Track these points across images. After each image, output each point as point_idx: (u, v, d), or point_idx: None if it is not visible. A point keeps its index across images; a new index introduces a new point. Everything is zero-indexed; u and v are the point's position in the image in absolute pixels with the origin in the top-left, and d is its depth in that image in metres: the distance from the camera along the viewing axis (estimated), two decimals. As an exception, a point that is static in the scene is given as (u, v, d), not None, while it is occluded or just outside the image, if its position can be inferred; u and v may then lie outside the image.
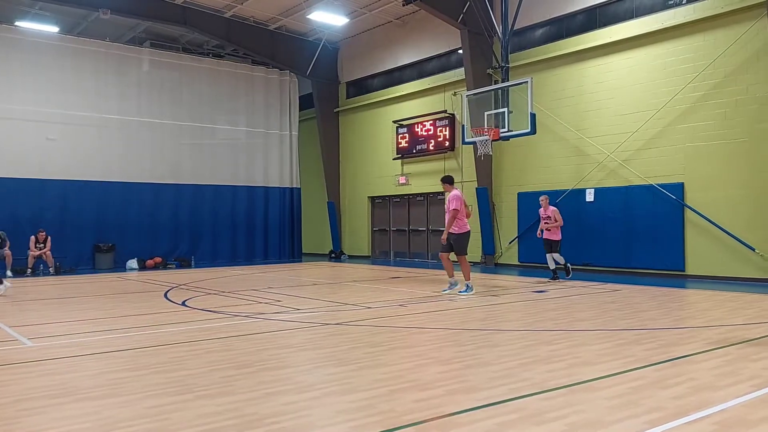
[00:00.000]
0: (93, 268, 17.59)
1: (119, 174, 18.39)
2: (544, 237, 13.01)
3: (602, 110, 15.11)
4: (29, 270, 15.94)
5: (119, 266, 17.86)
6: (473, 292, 10.57)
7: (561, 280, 12.90)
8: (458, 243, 10.51)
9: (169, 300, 10.41)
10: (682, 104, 13.63)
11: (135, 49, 19.45)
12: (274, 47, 21.30)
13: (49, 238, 16.30)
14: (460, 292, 10.59)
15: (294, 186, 22.51)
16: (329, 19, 19.12)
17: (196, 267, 18.72)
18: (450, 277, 10.86)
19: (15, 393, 4.63)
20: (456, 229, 10.51)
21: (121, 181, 18.41)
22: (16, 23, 17.81)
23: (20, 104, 16.91)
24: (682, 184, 13.62)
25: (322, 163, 22.95)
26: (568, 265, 13.18)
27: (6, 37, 17.07)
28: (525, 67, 16.35)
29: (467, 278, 10.65)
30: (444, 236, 10.54)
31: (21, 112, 16.91)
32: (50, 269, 16.20)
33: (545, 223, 12.91)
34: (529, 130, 13.99)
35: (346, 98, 22.96)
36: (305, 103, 23.35)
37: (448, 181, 10.92)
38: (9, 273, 15.58)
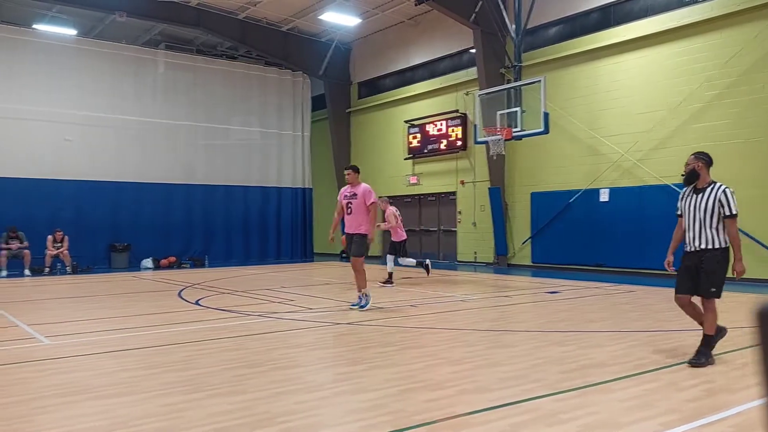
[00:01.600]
0: (109, 267, 17.76)
1: (134, 174, 18.55)
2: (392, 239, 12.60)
3: (616, 109, 15.00)
4: (47, 269, 16.12)
5: (134, 265, 18.01)
6: (371, 302, 8.95)
7: (391, 285, 11.90)
8: (361, 243, 8.80)
9: (183, 299, 10.49)
10: (697, 103, 13.50)
11: (150, 51, 19.61)
12: (286, 48, 21.38)
13: (66, 237, 16.48)
14: (359, 306, 8.82)
15: (306, 186, 22.58)
16: (341, 20, 19.16)
17: (209, 267, 18.83)
18: (363, 288, 8.93)
19: (31, 390, 4.69)
20: (360, 227, 8.79)
21: (136, 182, 18.56)
22: (34, 26, 18.02)
23: (38, 105, 17.10)
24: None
25: (334, 164, 22.99)
26: (427, 263, 13.10)
27: (24, 39, 17.28)
28: (538, 66, 16.27)
29: (366, 286, 8.95)
30: (372, 233, 8.85)
31: (38, 113, 17.10)
32: (67, 268, 16.38)
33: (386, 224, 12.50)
34: (542, 129, 13.93)
35: (358, 98, 22.99)
36: (317, 103, 23.41)
37: (357, 170, 9.07)
38: (27, 272, 15.78)
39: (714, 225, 5.29)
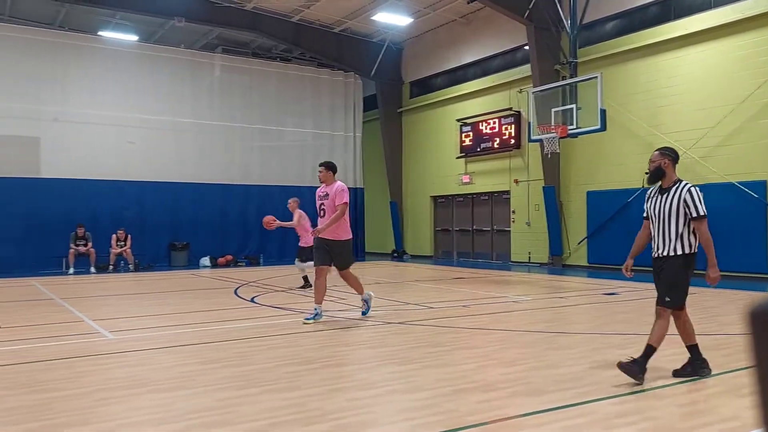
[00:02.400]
0: (169, 265, 18.34)
1: (193, 175, 19.09)
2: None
3: (677, 105, 14.47)
4: (111, 266, 16.78)
5: (193, 264, 18.53)
6: (370, 310, 8.32)
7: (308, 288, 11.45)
8: (345, 252, 7.94)
9: (239, 296, 10.72)
10: (763, 98, 12.87)
11: (207, 54, 20.15)
12: (339, 49, 21.57)
13: (129, 236, 17.12)
14: (364, 312, 8.24)
15: (357, 186, 22.72)
16: (393, 20, 19.20)
17: (264, 265, 19.19)
18: (319, 303, 7.87)
19: (95, 383, 4.89)
20: (341, 233, 7.84)
21: (195, 182, 19.10)
22: (99, 33, 18.79)
23: (102, 110, 17.83)
24: (765, 182, 12.87)
25: (385, 163, 23.05)
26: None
27: (90, 46, 18.05)
28: (594, 62, 15.87)
29: (363, 291, 8.22)
30: (319, 231, 7.76)
31: (103, 117, 17.83)
32: (130, 266, 17.01)
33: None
34: (598, 126, 13.57)
35: (410, 98, 22.97)
36: (369, 104, 23.52)
37: (332, 168, 8.08)
38: (93, 269, 16.46)
39: (677, 229, 4.80)
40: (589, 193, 16.42)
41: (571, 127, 14.17)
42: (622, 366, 4.67)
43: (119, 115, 18.05)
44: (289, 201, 12.63)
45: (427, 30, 21.22)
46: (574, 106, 14.19)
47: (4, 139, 16.45)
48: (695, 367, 4.88)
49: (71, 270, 16.16)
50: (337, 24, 20.81)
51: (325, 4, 18.98)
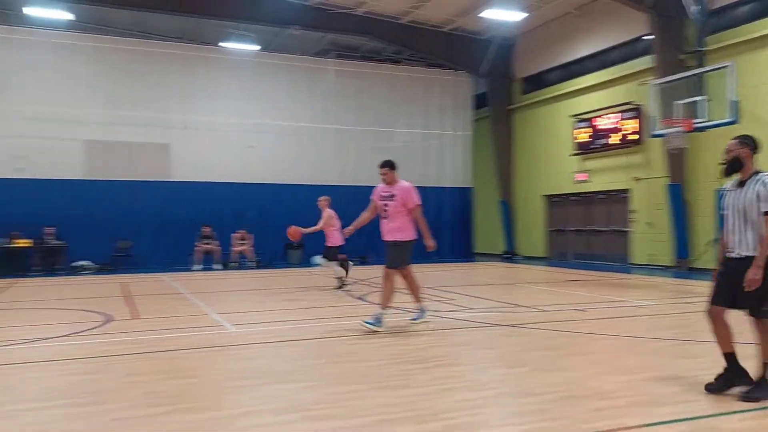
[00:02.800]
0: (286, 263, 19.16)
1: (309, 177, 19.80)
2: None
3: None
4: (234, 264, 17.84)
5: (307, 262, 19.23)
6: (427, 315, 7.68)
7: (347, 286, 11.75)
8: (404, 252, 7.45)
9: (349, 294, 11.00)
10: None
11: (322, 60, 20.88)
12: (449, 48, 21.52)
13: (251, 235, 18.16)
14: (412, 319, 7.65)
15: (467, 186, 22.56)
16: (504, 16, 18.81)
17: (373, 264, 19.54)
18: (417, 301, 7.73)
19: (220, 372, 5.23)
20: (407, 233, 7.41)
21: (310, 184, 19.79)
22: (222, 44, 20.01)
23: (225, 116, 19.00)
24: None
25: (495, 162, 22.69)
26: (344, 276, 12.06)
27: (214, 57, 19.32)
28: (724, 50, 14.68)
29: (387, 302, 7.38)
30: (431, 242, 7.51)
31: (226, 123, 19.01)
32: (251, 263, 17.98)
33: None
34: (730, 119, 12.58)
35: (521, 94, 22.44)
36: (479, 101, 23.26)
37: (393, 166, 7.62)
38: (217, 266, 17.55)
39: (756, 226, 4.24)
40: (719, 192, 15.24)
41: (698, 120, 13.24)
42: (744, 398, 4.25)
43: (241, 121, 19.15)
44: (320, 199, 12.45)
45: (539, 24, 20.63)
46: (701, 97, 13.24)
47: (138, 146, 17.97)
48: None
49: (198, 266, 17.32)
50: (446, 23, 20.77)
51: (435, 4, 19.00)
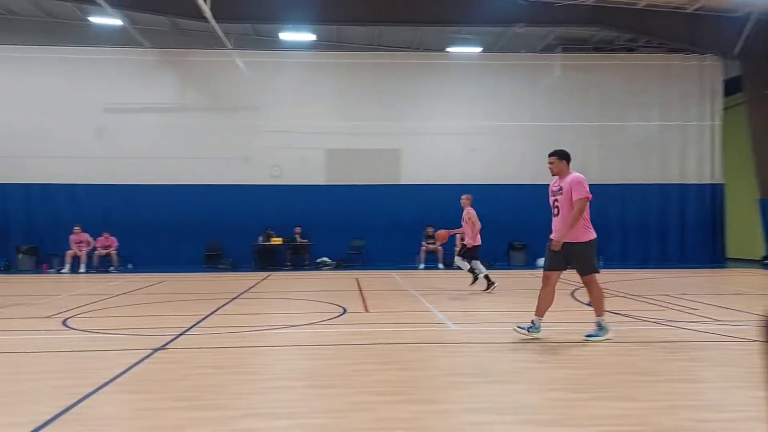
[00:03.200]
0: (508, 264, 19.07)
1: (530, 176, 19.46)
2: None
3: None
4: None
5: (530, 264, 18.91)
6: (609, 335, 6.63)
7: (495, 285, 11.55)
8: (588, 255, 6.65)
9: (575, 299, 10.58)
10: None
11: (546, 56, 20.36)
12: (692, 31, 19.44)
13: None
14: (590, 335, 6.67)
15: (715, 182, 20.13)
16: (761, -12, 16.46)
17: (604, 267, 18.43)
18: (540, 315, 6.82)
19: (442, 368, 5.44)
20: (579, 233, 6.59)
21: (533, 184, 19.42)
22: (447, 49, 20.63)
23: (450, 120, 19.57)
24: None
25: (752, 155, 19.87)
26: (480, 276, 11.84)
27: (440, 63, 20.00)
28: None
29: (600, 312, 6.70)
30: (558, 241, 6.63)
31: (450, 127, 19.56)
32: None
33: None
34: None
35: (785, 76, 19.35)
36: (729, 87, 20.60)
37: (565, 157, 6.90)
38: (441, 265, 18.13)
39: None
40: None
41: None
42: None
43: (464, 124, 19.54)
44: (462, 197, 12.35)
45: (809, -8, 17.61)
46: None
47: (370, 152, 19.35)
48: None
49: (422, 265, 18.06)
50: (688, 3, 18.77)
51: (674, -16, 17.34)
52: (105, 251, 17.35)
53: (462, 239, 12.29)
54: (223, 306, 9.63)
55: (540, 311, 6.74)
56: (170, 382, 4.97)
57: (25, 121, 18.07)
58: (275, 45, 20.40)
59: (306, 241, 18.48)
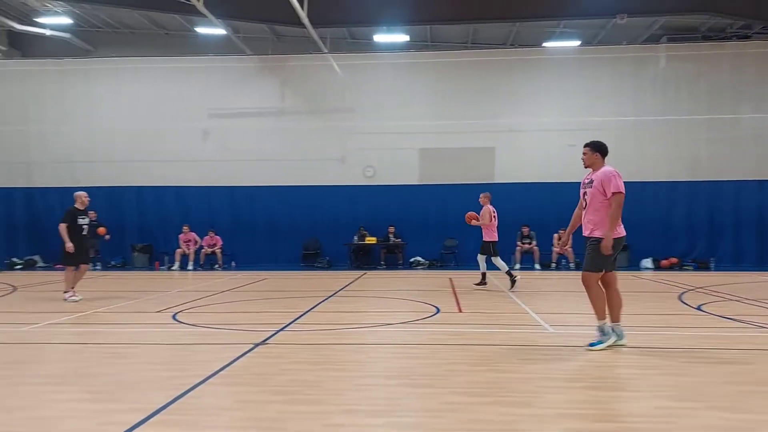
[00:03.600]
0: (608, 265, 18.28)
1: (636, 173, 18.56)
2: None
3: None
4: (553, 264, 17.75)
5: (633, 265, 18.05)
6: (617, 340, 6.16)
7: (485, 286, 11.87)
8: (598, 252, 6.09)
9: (684, 302, 10.00)
10: None
11: (650, 47, 19.31)
12: (816, 14, 17.80)
13: (571, 235, 17.82)
14: (592, 344, 6.16)
15: None
16: None
17: (715, 270, 17.32)
18: (612, 320, 6.24)
19: (536, 371, 5.31)
20: (601, 229, 6.15)
21: (637, 181, 18.53)
22: (544, 44, 20.09)
23: (547, 116, 18.96)
24: None
25: None
26: (516, 277, 12.14)
27: (536, 58, 19.50)
28: None
29: (603, 316, 6.21)
30: (608, 245, 6.00)
31: (546, 123, 18.98)
32: (571, 264, 17.67)
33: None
34: None
35: None
36: None
37: (599, 149, 6.40)
38: (537, 266, 17.70)
39: None
40: None
41: None
42: None
43: (561, 120, 18.90)
44: (481, 195, 12.66)
45: None
46: None
47: (464, 151, 19.11)
48: None
49: (518, 266, 17.68)
50: (811, -15, 17.23)
51: (796, -37, 15.96)
52: (210, 249, 18.31)
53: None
54: (320, 303, 9.91)
55: (600, 313, 6.23)
56: (270, 376, 5.18)
57: (139, 127, 19.37)
58: (369, 47, 20.71)
59: (399, 240, 18.61)
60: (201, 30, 20.07)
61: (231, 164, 19.26)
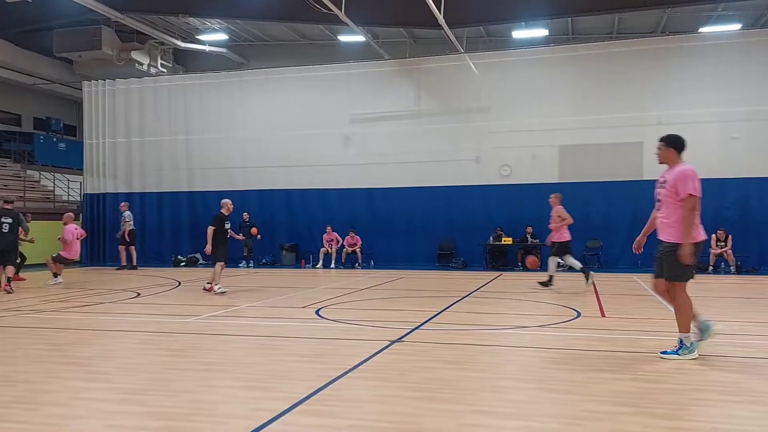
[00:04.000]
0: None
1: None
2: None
3: None
4: (711, 267, 16.31)
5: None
6: (694, 354, 5.55)
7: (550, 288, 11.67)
8: (675, 259, 5.44)
9: None
10: None
11: (827, 25, 17.14)
12: None
13: (730, 236, 16.29)
14: (667, 351, 5.67)
15: None
16: None
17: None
18: (691, 330, 5.67)
19: (693, 383, 4.94)
20: (681, 234, 5.50)
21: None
22: (700, 30, 18.49)
23: (704, 107, 17.30)
24: None
25: None
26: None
27: (690, 45, 17.82)
28: None
29: (688, 329, 5.62)
30: (687, 253, 5.39)
31: (702, 114, 17.33)
32: (731, 268, 16.16)
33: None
34: None
35: None
36: None
37: (674, 144, 5.84)
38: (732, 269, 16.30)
39: None
40: None
41: None
42: None
43: (719, 111, 17.26)
44: (551, 196, 12.56)
45: None
46: None
47: (608, 147, 18.02)
48: None
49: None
50: None
51: None
52: (351, 249, 19.02)
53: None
54: (455, 303, 9.93)
55: (684, 326, 5.72)
56: (406, 372, 5.30)
57: (287, 134, 20.58)
58: (506, 44, 20.35)
59: (537, 241, 18.07)
60: (343, 38, 20.92)
61: (370, 167, 19.84)
